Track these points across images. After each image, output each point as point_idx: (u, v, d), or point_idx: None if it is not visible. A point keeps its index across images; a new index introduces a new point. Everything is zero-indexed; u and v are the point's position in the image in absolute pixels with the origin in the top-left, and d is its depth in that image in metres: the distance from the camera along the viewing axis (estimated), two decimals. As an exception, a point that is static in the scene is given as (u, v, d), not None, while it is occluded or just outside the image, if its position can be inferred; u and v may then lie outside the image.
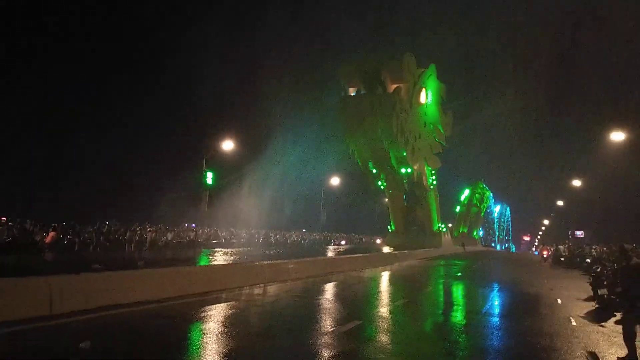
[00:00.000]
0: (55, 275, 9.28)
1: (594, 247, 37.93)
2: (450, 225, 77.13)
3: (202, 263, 22.30)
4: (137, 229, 31.48)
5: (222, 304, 11.34)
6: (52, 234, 23.97)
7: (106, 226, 31.50)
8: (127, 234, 28.90)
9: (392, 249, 43.56)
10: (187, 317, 9.62)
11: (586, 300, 14.75)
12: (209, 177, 33.12)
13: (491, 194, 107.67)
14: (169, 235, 31.94)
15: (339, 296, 14.50)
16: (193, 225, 42.97)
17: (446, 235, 60.84)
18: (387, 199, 56.65)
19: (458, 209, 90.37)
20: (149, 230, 31.69)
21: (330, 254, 33.01)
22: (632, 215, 51.49)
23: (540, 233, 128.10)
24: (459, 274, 24.95)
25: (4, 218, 26.37)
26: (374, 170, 48.94)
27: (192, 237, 32.51)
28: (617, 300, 12.43)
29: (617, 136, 31.41)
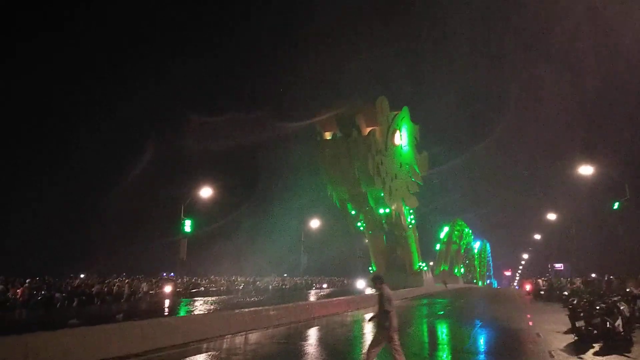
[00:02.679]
0: (31, 334, 9.07)
1: (568, 279, 38.43)
2: (431, 263, 77.20)
3: (182, 313, 21.85)
4: (115, 281, 30.85)
5: (202, 355, 11.16)
6: (21, 289, 23.30)
7: (79, 279, 30.79)
8: (104, 286, 28.23)
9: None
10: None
11: (565, 333, 14.87)
12: (187, 225, 32.95)
13: (470, 230, 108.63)
14: (144, 286, 31.16)
15: (322, 341, 14.37)
16: (171, 274, 42.24)
17: (427, 274, 60.79)
18: (367, 240, 56.69)
19: (438, 247, 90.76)
20: (127, 282, 31.05)
21: (312, 298, 32.66)
22: (602, 246, 52.57)
23: (521, 267, 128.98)
24: (442, 312, 24.93)
25: None
26: (353, 212, 49.16)
27: (171, 287, 31.91)
28: (594, 332, 12.67)
29: (586, 170, 32.72)
